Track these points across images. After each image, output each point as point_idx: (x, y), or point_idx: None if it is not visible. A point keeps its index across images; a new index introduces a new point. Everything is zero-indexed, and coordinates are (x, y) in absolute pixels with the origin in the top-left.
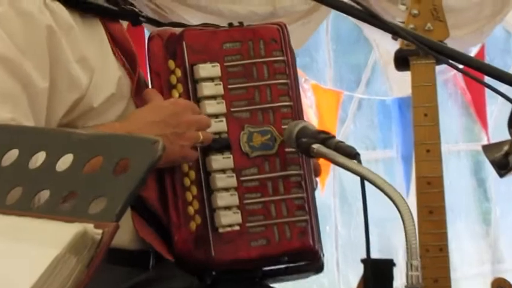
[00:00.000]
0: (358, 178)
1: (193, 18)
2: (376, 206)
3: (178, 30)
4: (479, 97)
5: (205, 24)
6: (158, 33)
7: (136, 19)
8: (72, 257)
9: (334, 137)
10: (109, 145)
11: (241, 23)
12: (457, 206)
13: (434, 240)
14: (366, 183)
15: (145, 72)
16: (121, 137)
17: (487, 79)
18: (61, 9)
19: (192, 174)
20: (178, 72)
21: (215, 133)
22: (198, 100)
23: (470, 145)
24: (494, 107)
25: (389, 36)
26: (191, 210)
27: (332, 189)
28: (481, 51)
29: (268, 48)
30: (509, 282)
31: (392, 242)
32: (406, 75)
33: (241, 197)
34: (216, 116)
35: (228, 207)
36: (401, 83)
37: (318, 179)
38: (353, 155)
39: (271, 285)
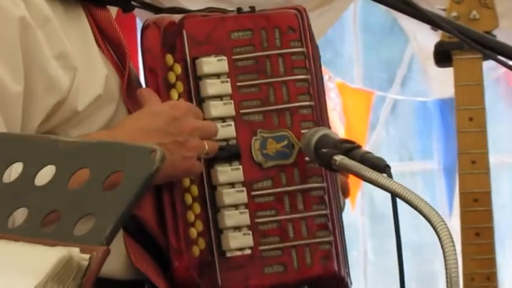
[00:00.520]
0: (389, 195)
1: (195, 5)
2: (412, 228)
3: (178, 17)
4: None
5: (210, 9)
6: (154, 21)
7: (127, 4)
8: (54, 287)
9: (360, 147)
10: (98, 155)
11: (252, 8)
12: (508, 228)
13: (481, 268)
14: (399, 200)
15: (137, 68)
16: (112, 145)
17: None
18: None
19: (195, 189)
20: (178, 68)
21: (222, 140)
22: (201, 100)
23: None
24: None
25: (427, 26)
26: (194, 232)
27: (360, 207)
28: None
29: (284, 37)
30: None
31: (432, 269)
32: (449, 73)
33: (252, 215)
34: (223, 119)
35: (237, 228)
36: (443, 82)
37: (346, 199)
38: (382, 167)
39: None
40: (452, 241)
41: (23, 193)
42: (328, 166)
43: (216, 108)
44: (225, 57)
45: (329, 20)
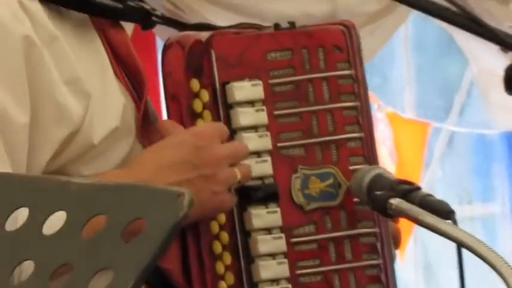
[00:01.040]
0: (450, 244)
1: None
2: (476, 282)
3: (205, 35)
4: None
5: (242, 26)
6: (177, 40)
7: (147, 19)
8: None
9: (419, 188)
10: (116, 199)
11: (292, 24)
12: None
13: None
14: (464, 251)
15: (158, 95)
16: (133, 188)
17: None
18: (41, 12)
19: (225, 236)
20: (205, 95)
21: (257, 178)
22: (232, 132)
23: None
24: None
25: (493, 47)
26: (223, 286)
27: (413, 258)
28: None
29: (329, 58)
30: None
31: None
32: None
33: (292, 266)
34: (258, 153)
35: (274, 281)
36: (509, 111)
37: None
38: (445, 213)
39: None
40: None
41: (29, 244)
42: (382, 210)
43: (250, 141)
44: (260, 82)
45: (381, 38)
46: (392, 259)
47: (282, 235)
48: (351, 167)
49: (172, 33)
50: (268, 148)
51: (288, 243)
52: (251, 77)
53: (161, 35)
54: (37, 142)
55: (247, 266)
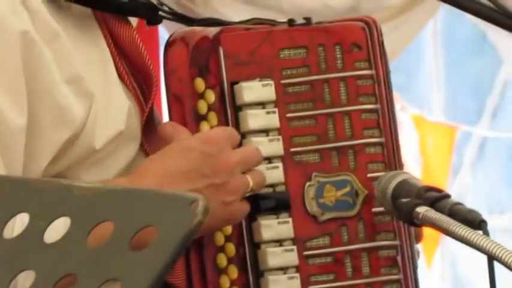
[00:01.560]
0: (481, 256)
1: (238, 15)
2: None
3: (213, 31)
4: None
5: (255, 21)
6: (182, 36)
7: (154, 14)
8: None
9: (449, 196)
10: (124, 205)
11: (307, 20)
12: None
13: None
14: (496, 264)
15: (160, 95)
16: (143, 193)
17: None
18: (42, 7)
19: (231, 248)
20: (211, 96)
21: (267, 185)
22: (241, 137)
23: None
24: None
25: None
26: None
27: (441, 271)
28: None
29: (348, 57)
30: None
31: None
32: None
33: (305, 281)
34: (269, 159)
35: None
36: None
37: (419, 246)
38: (476, 222)
39: None
40: None
41: (29, 252)
42: (409, 219)
43: (260, 146)
44: (272, 82)
45: (407, 33)
46: (415, 268)
47: (294, 247)
48: (369, 175)
49: (176, 28)
50: (279, 153)
51: (300, 256)
52: (262, 77)
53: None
54: (35, 146)
55: (256, 281)
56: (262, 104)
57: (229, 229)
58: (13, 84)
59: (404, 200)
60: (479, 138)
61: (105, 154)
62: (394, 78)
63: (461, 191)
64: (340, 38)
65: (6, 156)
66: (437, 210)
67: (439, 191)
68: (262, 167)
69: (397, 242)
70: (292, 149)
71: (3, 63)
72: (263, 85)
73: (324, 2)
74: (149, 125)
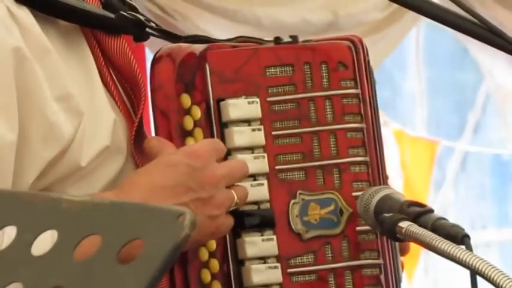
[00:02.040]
0: (464, 271)
1: (217, 30)
2: None
3: (199, 48)
4: None
5: (240, 38)
6: (168, 52)
7: (141, 31)
8: None
9: (432, 210)
10: (111, 218)
11: (294, 38)
12: None
13: None
14: (479, 279)
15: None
16: (130, 207)
17: None
18: (31, 20)
19: (215, 264)
20: (197, 112)
21: (252, 202)
22: (226, 153)
23: None
24: None
25: (511, 60)
26: None
27: (422, 286)
28: None
29: (333, 75)
30: None
31: None
32: None
33: None
34: (254, 177)
35: None
36: None
37: (402, 258)
38: (459, 237)
39: None
40: None
41: (16, 265)
42: (391, 234)
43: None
44: (257, 99)
45: (386, 48)
46: (398, 285)
47: (278, 265)
48: (354, 193)
49: (162, 45)
50: (264, 171)
51: (284, 273)
52: (248, 94)
53: (151, 46)
54: (23, 161)
55: None
56: (247, 121)
57: (213, 245)
58: (5, 100)
59: (387, 214)
60: (461, 153)
61: (91, 169)
62: (379, 93)
63: (444, 206)
64: (327, 57)
65: None
66: (420, 225)
67: (422, 205)
68: (247, 184)
69: (380, 261)
70: (277, 167)
71: None
72: (249, 102)
73: (303, 18)
74: (139, 135)
